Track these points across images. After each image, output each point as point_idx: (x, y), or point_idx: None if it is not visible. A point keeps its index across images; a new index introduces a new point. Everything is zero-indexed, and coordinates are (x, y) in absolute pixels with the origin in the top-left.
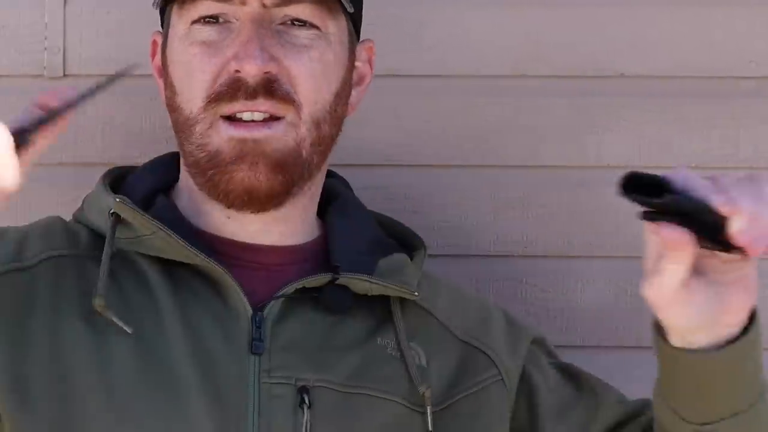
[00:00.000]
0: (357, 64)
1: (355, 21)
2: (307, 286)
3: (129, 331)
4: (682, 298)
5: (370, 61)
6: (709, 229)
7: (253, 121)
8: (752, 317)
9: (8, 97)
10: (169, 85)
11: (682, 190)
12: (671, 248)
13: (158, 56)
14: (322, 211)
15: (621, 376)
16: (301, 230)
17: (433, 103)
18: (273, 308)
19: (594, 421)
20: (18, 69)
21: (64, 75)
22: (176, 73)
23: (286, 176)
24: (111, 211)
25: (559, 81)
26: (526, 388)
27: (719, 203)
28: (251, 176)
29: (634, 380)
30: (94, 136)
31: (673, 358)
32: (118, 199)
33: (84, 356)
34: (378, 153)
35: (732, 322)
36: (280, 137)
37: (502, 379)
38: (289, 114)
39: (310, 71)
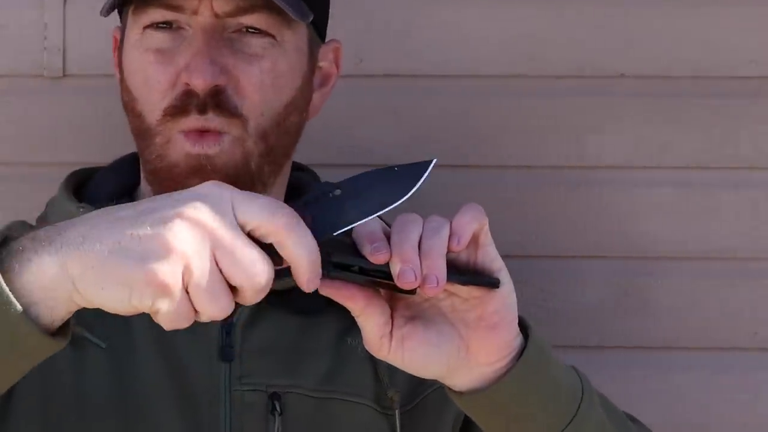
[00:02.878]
0: (321, 64)
1: (317, 25)
2: (276, 288)
3: (103, 346)
4: (401, 345)
5: (336, 61)
6: (387, 276)
7: (207, 131)
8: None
9: (8, 97)
10: (126, 90)
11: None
12: (344, 302)
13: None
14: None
15: (621, 376)
16: None
17: (433, 103)
18: (242, 313)
19: None
20: (17, 69)
21: (64, 75)
22: (133, 80)
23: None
24: None
25: (559, 81)
26: None
27: (367, 254)
28: None
29: (634, 380)
30: (93, 135)
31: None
32: (81, 209)
33: (64, 375)
34: (378, 153)
35: (487, 361)
36: (228, 152)
37: None
38: (235, 129)
39: (260, 82)
